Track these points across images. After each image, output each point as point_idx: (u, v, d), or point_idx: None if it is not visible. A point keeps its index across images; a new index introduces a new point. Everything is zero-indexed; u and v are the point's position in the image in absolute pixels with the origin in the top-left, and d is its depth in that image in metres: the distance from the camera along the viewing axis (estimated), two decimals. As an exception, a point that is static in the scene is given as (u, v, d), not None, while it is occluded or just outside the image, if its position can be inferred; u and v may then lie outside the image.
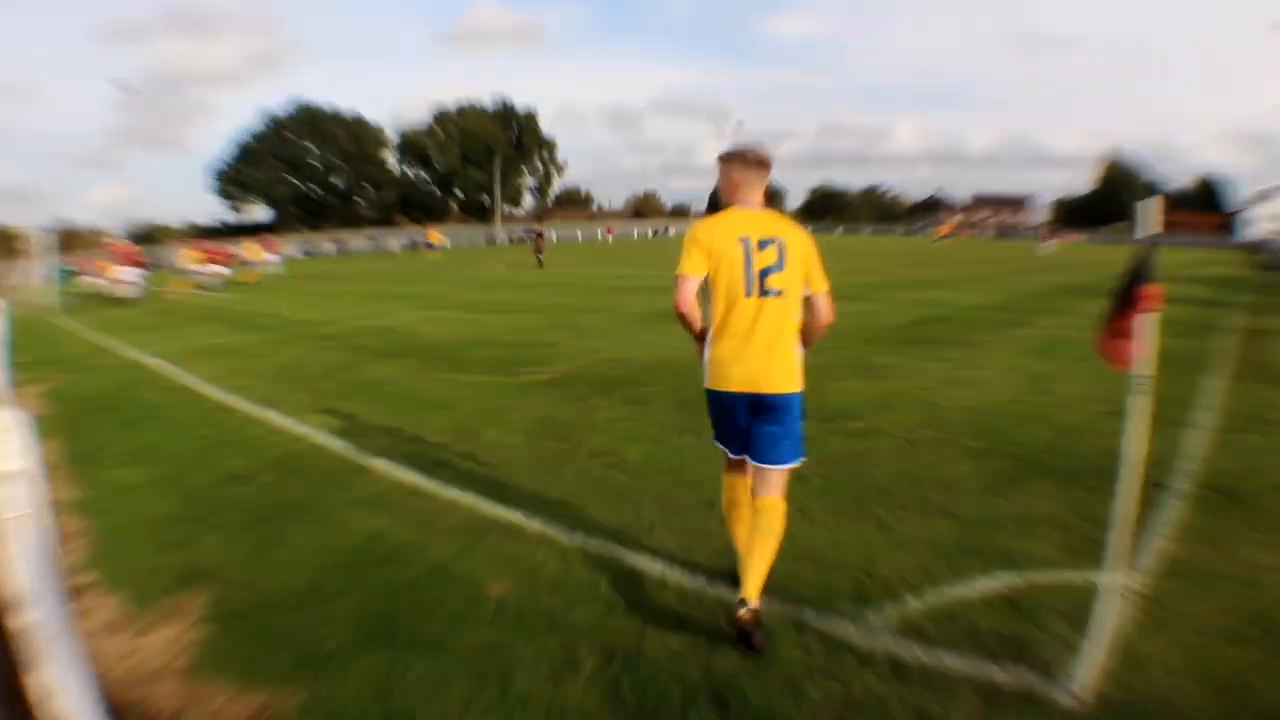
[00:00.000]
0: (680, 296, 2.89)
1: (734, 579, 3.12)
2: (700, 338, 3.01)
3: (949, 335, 9.98)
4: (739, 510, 3.08)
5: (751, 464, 2.99)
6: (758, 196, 3.01)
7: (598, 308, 14.69)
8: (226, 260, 22.71)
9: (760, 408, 2.92)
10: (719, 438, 3.09)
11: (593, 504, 4.09)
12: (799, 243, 2.95)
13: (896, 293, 16.47)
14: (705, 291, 2.94)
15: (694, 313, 2.95)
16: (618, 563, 3.39)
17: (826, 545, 3.51)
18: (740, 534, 3.06)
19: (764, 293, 2.88)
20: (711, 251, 2.91)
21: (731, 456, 3.09)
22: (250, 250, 27.64)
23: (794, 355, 2.94)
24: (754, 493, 2.99)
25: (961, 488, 4.21)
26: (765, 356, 2.88)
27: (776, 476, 2.95)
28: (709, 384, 2.97)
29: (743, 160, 2.99)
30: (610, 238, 63.89)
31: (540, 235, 32.27)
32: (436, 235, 43.43)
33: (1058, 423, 5.49)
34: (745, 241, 2.90)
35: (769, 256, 2.89)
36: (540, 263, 30.06)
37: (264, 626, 2.96)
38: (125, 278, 19.36)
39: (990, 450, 4.87)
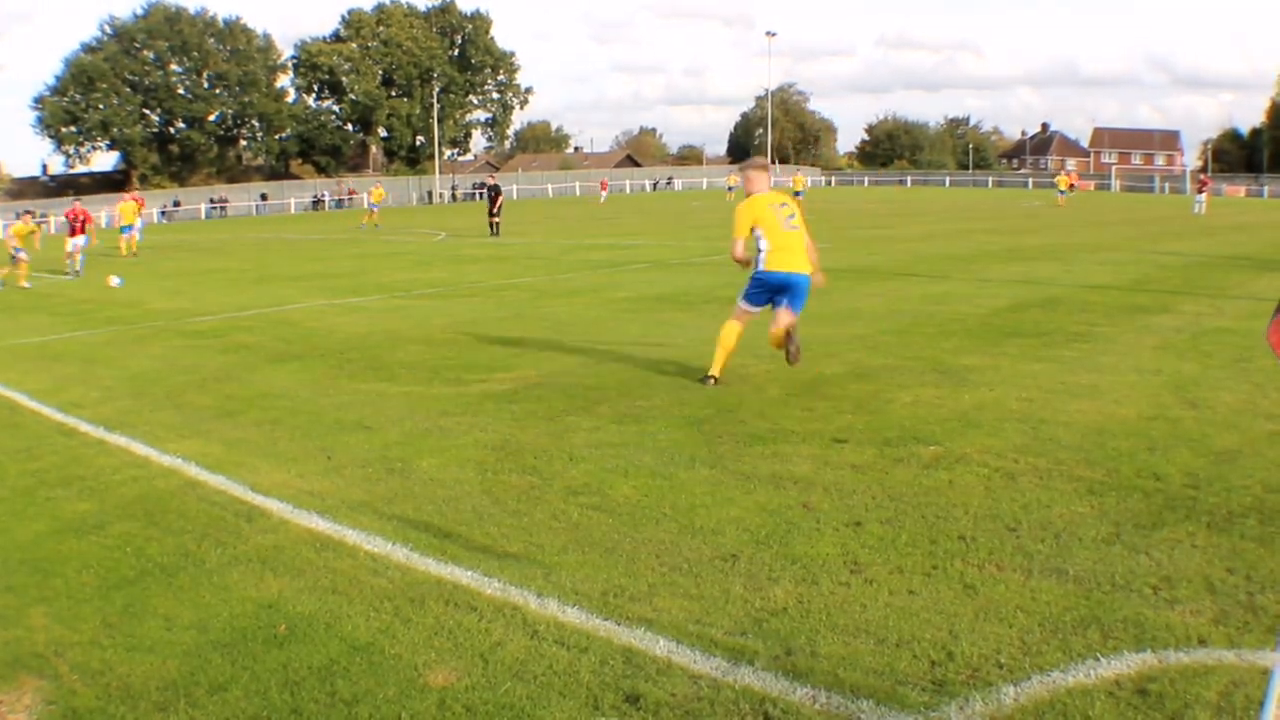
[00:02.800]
0: (734, 249, 7.46)
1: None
2: (744, 264, 7.52)
3: (1059, 326, 10.05)
4: (732, 346, 7.50)
5: (783, 312, 7.29)
6: (768, 186, 7.56)
7: (574, 290, 14.74)
8: (84, 225, 22.61)
9: (788, 284, 7.29)
10: (750, 300, 7.48)
11: (570, 559, 4.13)
12: (797, 206, 7.60)
13: (986, 267, 16.55)
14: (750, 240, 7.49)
15: (741, 257, 7.48)
16: (605, 640, 3.43)
17: (890, 615, 3.56)
18: (722, 356, 7.52)
19: (791, 227, 7.36)
20: (757, 218, 7.32)
21: (754, 311, 7.52)
22: (125, 210, 27.74)
23: (808, 256, 7.43)
24: (778, 323, 7.35)
25: (1075, 536, 4.27)
26: (795, 258, 7.31)
27: (794, 318, 7.35)
28: (763, 268, 7.31)
29: (755, 168, 7.65)
30: (604, 194, 64.36)
31: (497, 191, 32.34)
32: (380, 192, 42.49)
33: (1210, 446, 5.56)
34: (774, 207, 7.39)
35: (788, 211, 7.44)
36: (495, 228, 30.12)
37: (120, 730, 2.98)
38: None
39: (1115, 484, 4.93)
